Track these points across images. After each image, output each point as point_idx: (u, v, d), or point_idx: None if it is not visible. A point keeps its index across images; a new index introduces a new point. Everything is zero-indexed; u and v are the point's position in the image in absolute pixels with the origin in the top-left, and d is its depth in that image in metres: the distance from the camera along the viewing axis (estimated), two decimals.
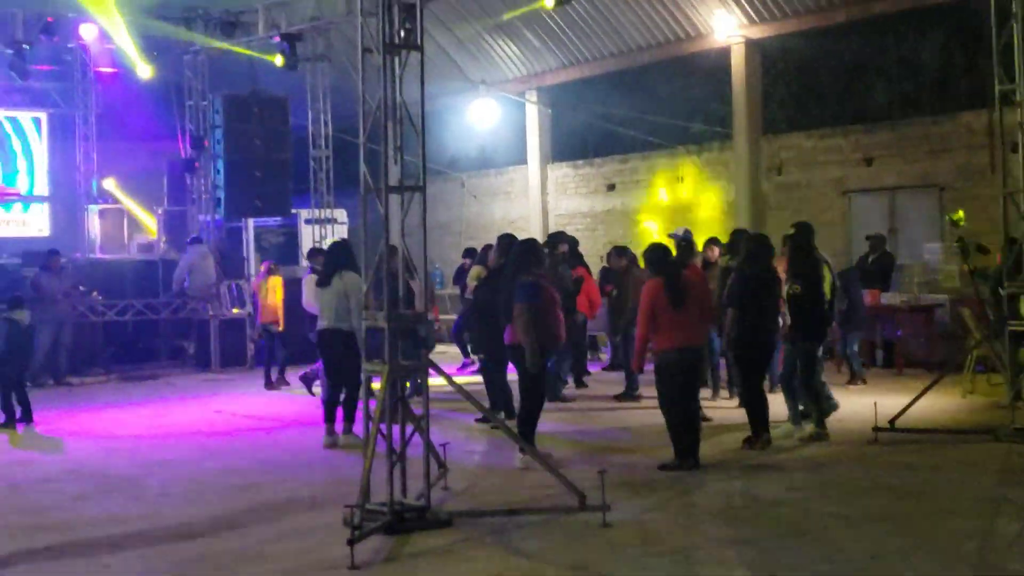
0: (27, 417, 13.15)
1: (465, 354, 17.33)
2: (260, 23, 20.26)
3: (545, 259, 11.14)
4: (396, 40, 8.48)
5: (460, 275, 17.59)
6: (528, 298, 10.00)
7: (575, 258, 15.47)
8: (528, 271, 10.19)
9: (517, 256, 10.54)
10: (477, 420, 12.10)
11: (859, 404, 12.37)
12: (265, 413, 14.06)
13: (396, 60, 8.46)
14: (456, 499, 8.72)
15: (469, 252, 17.97)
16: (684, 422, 9.83)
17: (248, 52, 20.78)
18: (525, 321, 9.94)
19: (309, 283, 14.13)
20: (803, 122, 19.56)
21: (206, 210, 21.21)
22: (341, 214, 22.81)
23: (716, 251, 13.57)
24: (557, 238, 14.53)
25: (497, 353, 11.53)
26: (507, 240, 12.36)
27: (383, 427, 7.97)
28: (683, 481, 9.26)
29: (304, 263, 18.39)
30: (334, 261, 11.62)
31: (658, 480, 9.32)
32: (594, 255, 19.68)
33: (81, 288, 18.66)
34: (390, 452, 7.99)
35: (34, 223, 23.70)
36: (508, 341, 10.36)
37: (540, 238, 22.02)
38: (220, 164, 20.21)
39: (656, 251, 10.26)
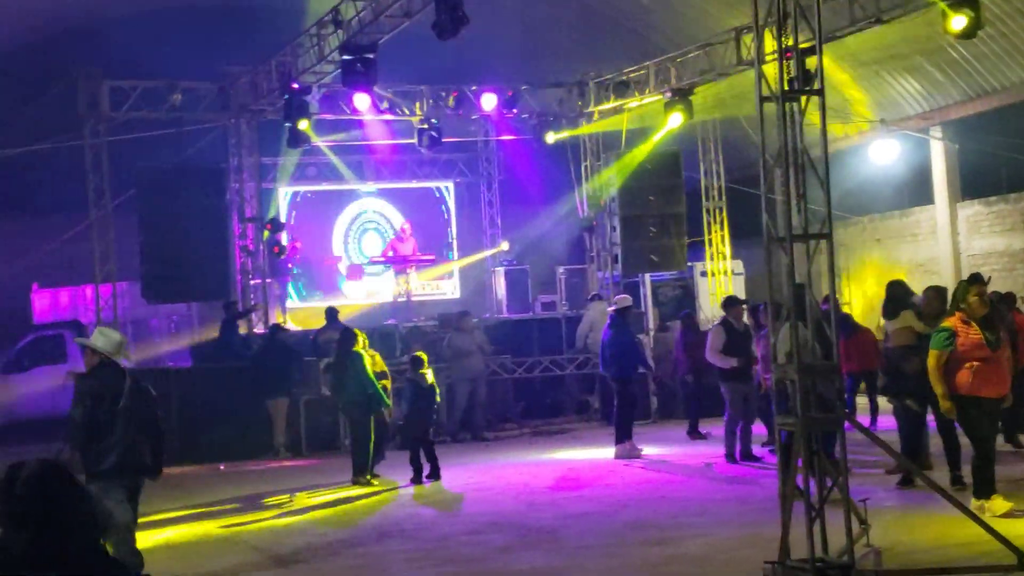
0: (435, 474, 13.70)
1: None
2: (651, 80, 20.57)
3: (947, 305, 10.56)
4: (795, 86, 8.35)
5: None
6: (940, 345, 9.75)
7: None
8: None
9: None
10: (898, 483, 11.49)
11: None
12: (675, 465, 14.09)
13: (795, 106, 8.32)
14: (881, 556, 8.29)
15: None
16: None
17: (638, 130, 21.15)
18: (932, 368, 9.76)
19: (718, 334, 14.17)
20: None
21: (604, 267, 21.71)
22: (737, 265, 22.69)
23: None
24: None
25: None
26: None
27: (800, 481, 7.76)
28: None
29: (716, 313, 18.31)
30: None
31: None
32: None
33: (491, 347, 19.55)
34: (808, 508, 7.74)
35: (446, 286, 25.20)
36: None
37: (952, 281, 20.95)
38: (616, 221, 20.66)
39: None
